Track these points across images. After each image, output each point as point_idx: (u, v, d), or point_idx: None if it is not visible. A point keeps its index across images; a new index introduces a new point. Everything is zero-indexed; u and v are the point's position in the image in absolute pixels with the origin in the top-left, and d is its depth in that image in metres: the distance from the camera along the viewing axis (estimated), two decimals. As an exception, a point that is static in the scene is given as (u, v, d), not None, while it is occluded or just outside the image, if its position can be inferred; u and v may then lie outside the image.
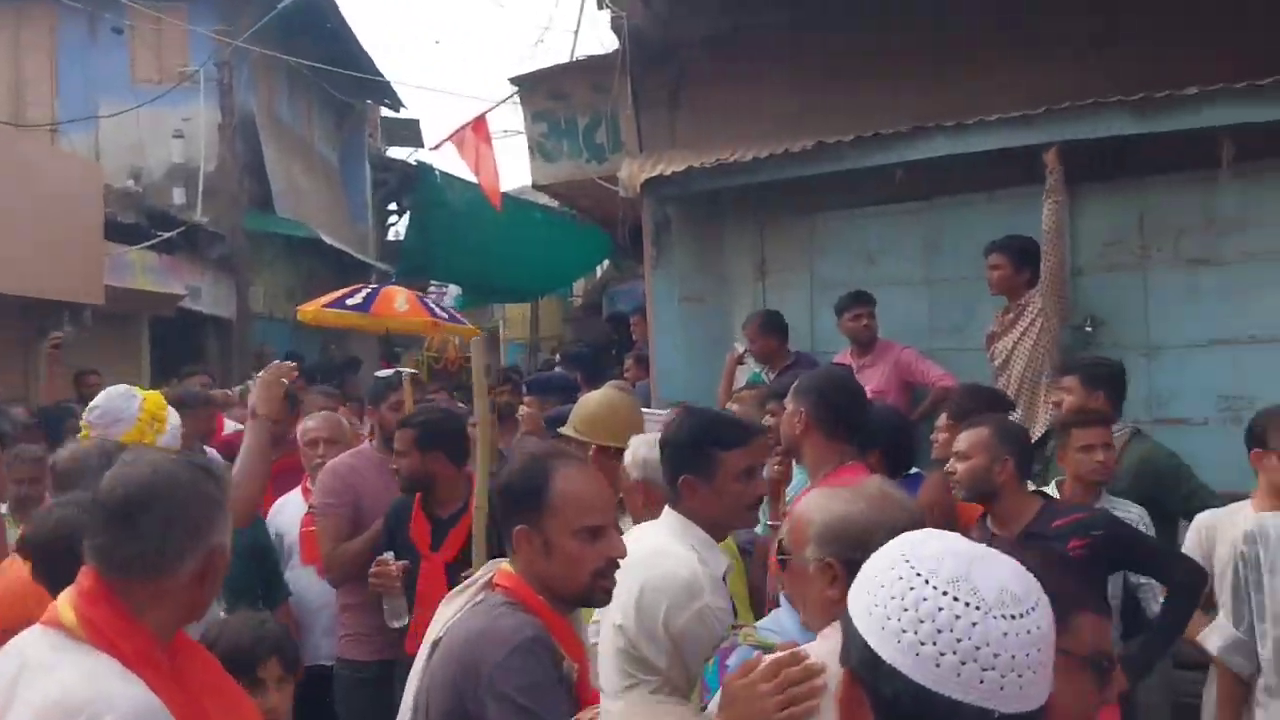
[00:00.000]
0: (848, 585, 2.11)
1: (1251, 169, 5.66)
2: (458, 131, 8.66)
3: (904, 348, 6.45)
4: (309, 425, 5.40)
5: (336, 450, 5.07)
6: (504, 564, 2.45)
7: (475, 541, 3.63)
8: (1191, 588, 3.47)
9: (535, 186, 9.39)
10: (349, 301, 8.86)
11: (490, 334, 30.73)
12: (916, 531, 1.49)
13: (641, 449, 3.61)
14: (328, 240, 15.63)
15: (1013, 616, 1.29)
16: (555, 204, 11.43)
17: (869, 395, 6.10)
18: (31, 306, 9.65)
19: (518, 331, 25.58)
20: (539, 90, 8.89)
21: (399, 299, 8.80)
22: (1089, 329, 6.17)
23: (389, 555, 4.20)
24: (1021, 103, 6.11)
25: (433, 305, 8.71)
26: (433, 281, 25.42)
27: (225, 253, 14.23)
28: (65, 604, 1.90)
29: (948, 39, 7.08)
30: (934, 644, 1.27)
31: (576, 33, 16.76)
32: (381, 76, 19.37)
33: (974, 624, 1.28)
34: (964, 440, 3.67)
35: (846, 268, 7.14)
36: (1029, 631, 1.29)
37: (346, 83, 17.74)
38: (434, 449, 4.22)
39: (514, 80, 8.81)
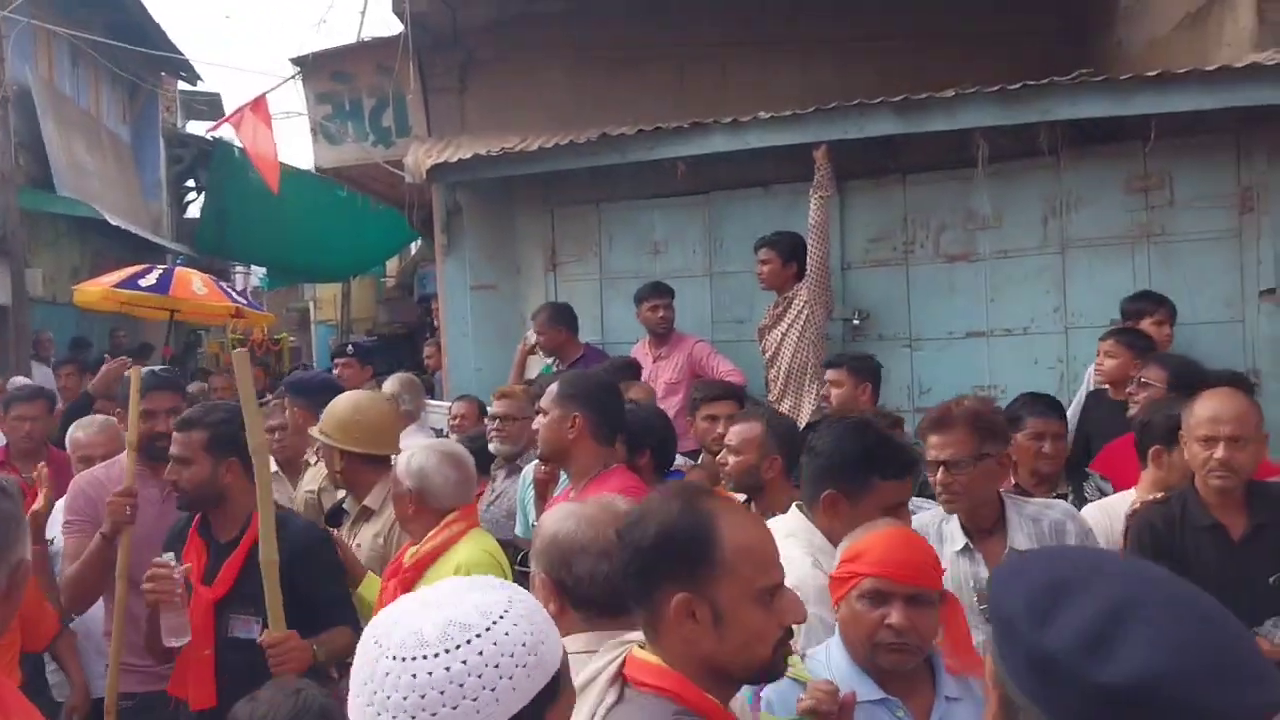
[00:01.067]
0: (560, 604, 2.24)
1: (1004, 169, 5.97)
2: (237, 112, 8.35)
3: (698, 341, 6.56)
4: (79, 437, 4.72)
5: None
6: (632, 646, 1.92)
7: (269, 598, 3.15)
8: None
9: (318, 170, 9.10)
10: (142, 282, 8.37)
11: (300, 314, 30.03)
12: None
13: (418, 457, 3.51)
14: (112, 220, 14.82)
15: (408, 659, 1.34)
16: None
17: (664, 387, 6.28)
18: None
19: (329, 313, 24.98)
20: (322, 71, 8.64)
21: (195, 281, 8.37)
22: (856, 322, 6.42)
23: (169, 556, 3.40)
24: (797, 101, 6.28)
25: (228, 290, 8.26)
26: (234, 262, 24.65)
27: (-1, 234, 13.34)
28: None
29: (733, 34, 7.22)
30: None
31: (363, 13, 16.32)
32: (175, 51, 18.46)
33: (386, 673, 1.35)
34: (736, 435, 3.75)
35: (634, 258, 7.21)
36: (430, 673, 1.33)
37: (136, 56, 16.86)
38: (229, 455, 3.46)
39: (295, 60, 8.54)
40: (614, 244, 7.31)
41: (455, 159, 7.09)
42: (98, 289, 8.95)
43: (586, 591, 2.20)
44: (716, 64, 7.39)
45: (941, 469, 3.15)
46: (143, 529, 3.74)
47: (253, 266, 27.08)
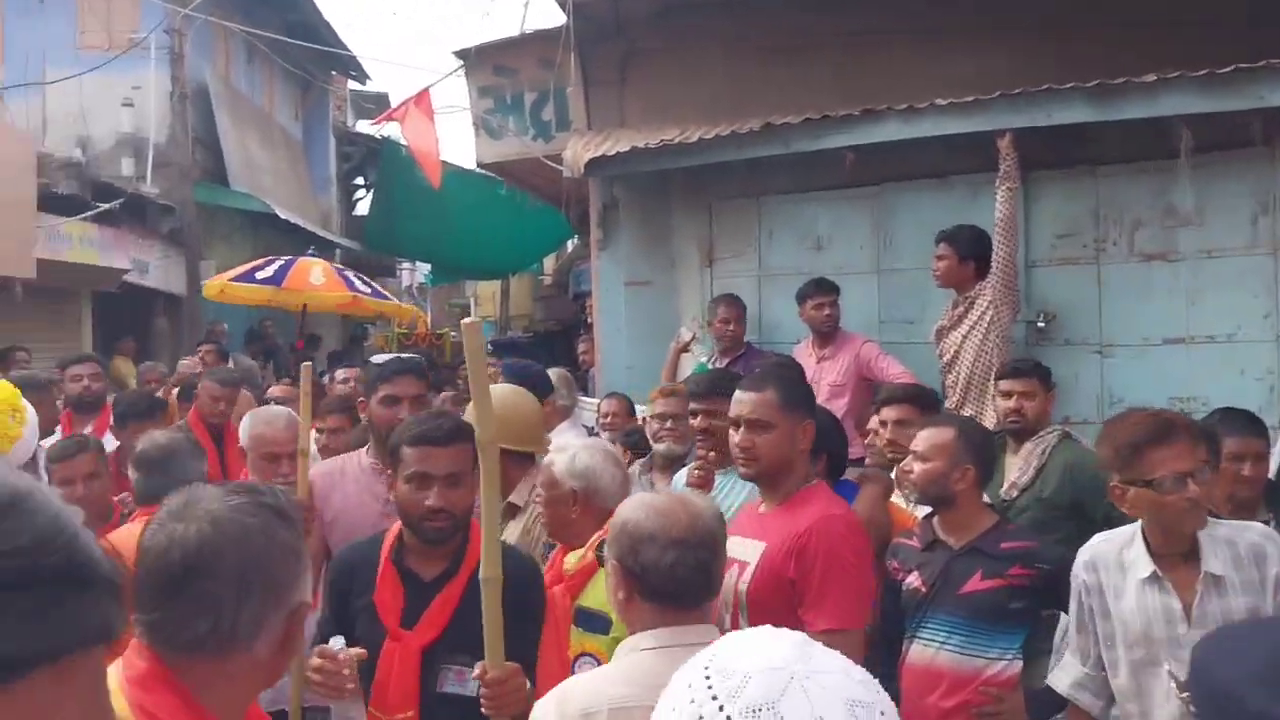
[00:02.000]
0: (629, 591, 2.26)
1: (1209, 161, 5.42)
2: (401, 105, 8.35)
3: (866, 340, 6.18)
4: (264, 432, 4.20)
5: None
6: None
7: (488, 626, 2.48)
8: None
9: (480, 165, 9.04)
10: (259, 275, 8.30)
11: (461, 310, 30.64)
12: (742, 633, 1.26)
13: (582, 457, 3.32)
14: (282, 214, 15.23)
15: None
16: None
17: (828, 389, 5.94)
18: (-43, 281, 9.32)
19: (489, 309, 25.37)
20: (484, 65, 8.56)
21: (315, 271, 8.25)
22: (1041, 324, 5.93)
23: (337, 641, 2.76)
24: (976, 87, 5.86)
25: (353, 279, 8.11)
26: (400, 258, 25.23)
27: (176, 226, 13.84)
28: (115, 689, 1.43)
29: (901, 20, 6.82)
30: None
31: (527, 4, 16.27)
32: (343, 48, 18.94)
33: None
34: (925, 440, 3.45)
35: (795, 254, 6.90)
36: None
37: (309, 54, 17.33)
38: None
39: (458, 54, 8.48)
40: (774, 239, 7.00)
41: (613, 152, 6.89)
42: (219, 282, 8.97)
43: (653, 580, 2.23)
44: (883, 51, 6.98)
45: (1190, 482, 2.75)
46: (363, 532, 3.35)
47: (418, 263, 27.73)
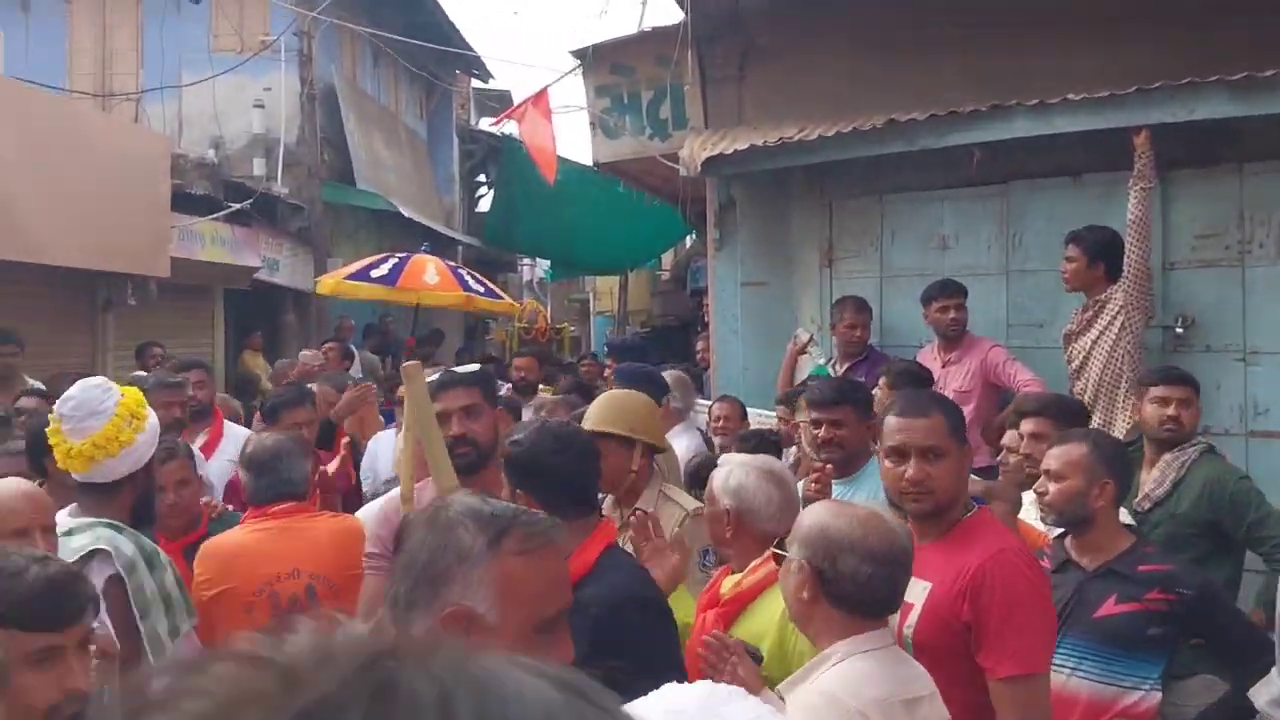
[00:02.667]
0: (817, 592, 2.32)
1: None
2: (520, 105, 8.39)
3: (994, 345, 5.98)
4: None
5: None
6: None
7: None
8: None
9: (596, 164, 9.03)
10: (373, 273, 8.29)
11: (580, 305, 30.86)
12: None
13: (736, 474, 3.22)
14: (406, 213, 15.50)
15: None
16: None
17: (952, 395, 5.74)
18: (97, 278, 9.65)
19: (607, 304, 25.50)
20: (601, 64, 8.54)
21: (429, 270, 8.20)
22: (1180, 329, 5.65)
23: None
24: (1110, 81, 5.60)
25: (466, 277, 8.08)
26: (520, 255, 25.52)
27: (304, 225, 14.20)
28: None
29: (1029, 12, 6.57)
30: None
31: (644, 2, 16.25)
32: (467, 48, 19.20)
33: None
34: (1057, 457, 3.29)
35: (918, 254, 6.72)
36: None
37: (432, 54, 17.62)
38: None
39: (575, 53, 8.48)
40: (896, 238, 6.82)
41: (731, 150, 6.79)
42: (333, 279, 8.99)
43: (845, 588, 2.31)
44: (1012, 44, 6.73)
45: None
46: None
47: (537, 259, 28.02)
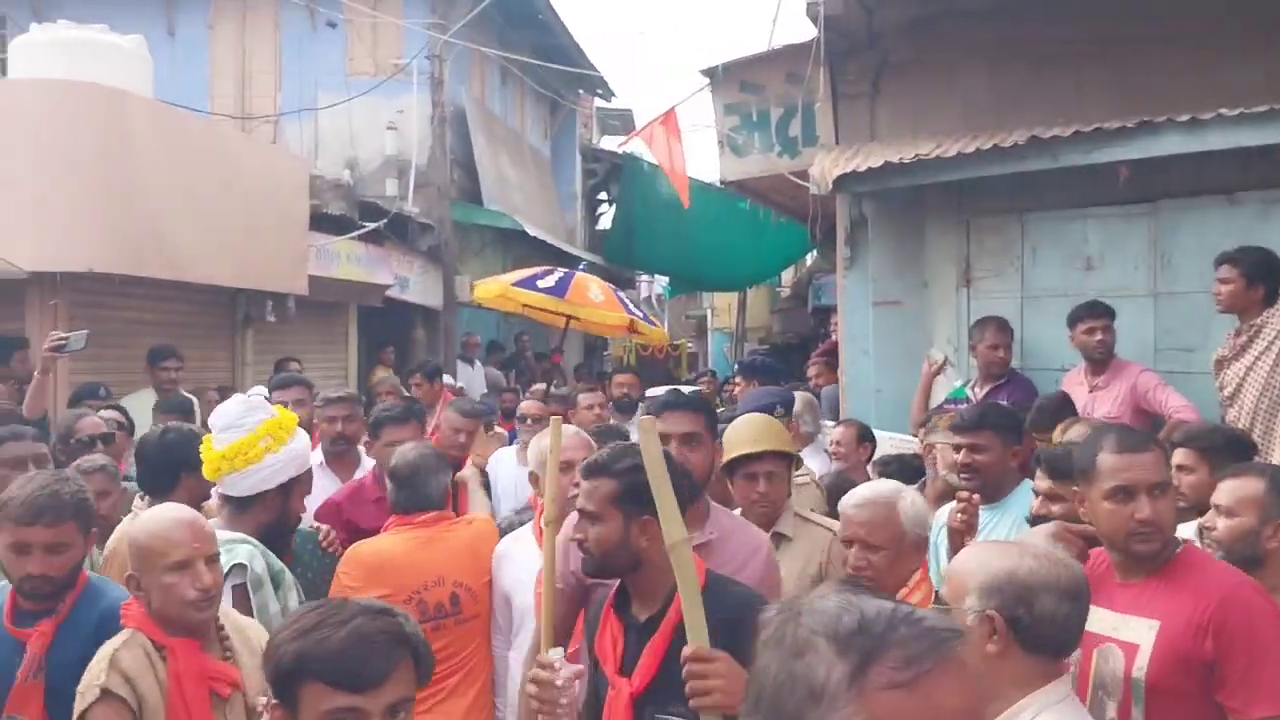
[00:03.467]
0: (1008, 644, 2.18)
1: None
2: (647, 126, 8.41)
3: (1144, 370, 5.75)
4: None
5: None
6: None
7: (683, 595, 2.37)
8: None
9: (723, 182, 9.00)
10: (540, 283, 8.20)
11: (698, 322, 30.85)
12: None
13: (920, 500, 3.22)
14: (531, 231, 15.70)
15: None
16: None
17: (1104, 419, 5.54)
18: (238, 295, 9.98)
19: (725, 321, 25.45)
20: (730, 82, 8.50)
21: (593, 289, 8.15)
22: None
23: (556, 653, 2.70)
24: (1268, 95, 5.36)
25: (627, 301, 8.03)
26: (639, 272, 25.65)
27: (434, 243, 14.48)
28: None
29: (1182, 25, 6.33)
30: None
31: (774, 20, 16.13)
32: (592, 69, 19.39)
33: None
34: (1229, 493, 3.13)
35: (1061, 274, 6.52)
36: None
37: (558, 75, 17.84)
38: (644, 513, 2.60)
39: (704, 72, 8.46)
40: (1038, 258, 6.63)
41: (864, 168, 6.68)
42: (497, 286, 8.91)
43: (1045, 631, 2.21)
44: (1162, 58, 6.49)
45: None
46: None
47: (656, 276, 28.13)
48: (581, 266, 16.84)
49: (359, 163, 14.47)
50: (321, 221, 11.23)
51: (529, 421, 6.37)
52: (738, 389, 7.35)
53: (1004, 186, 6.50)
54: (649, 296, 33.41)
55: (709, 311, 29.02)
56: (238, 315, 10.19)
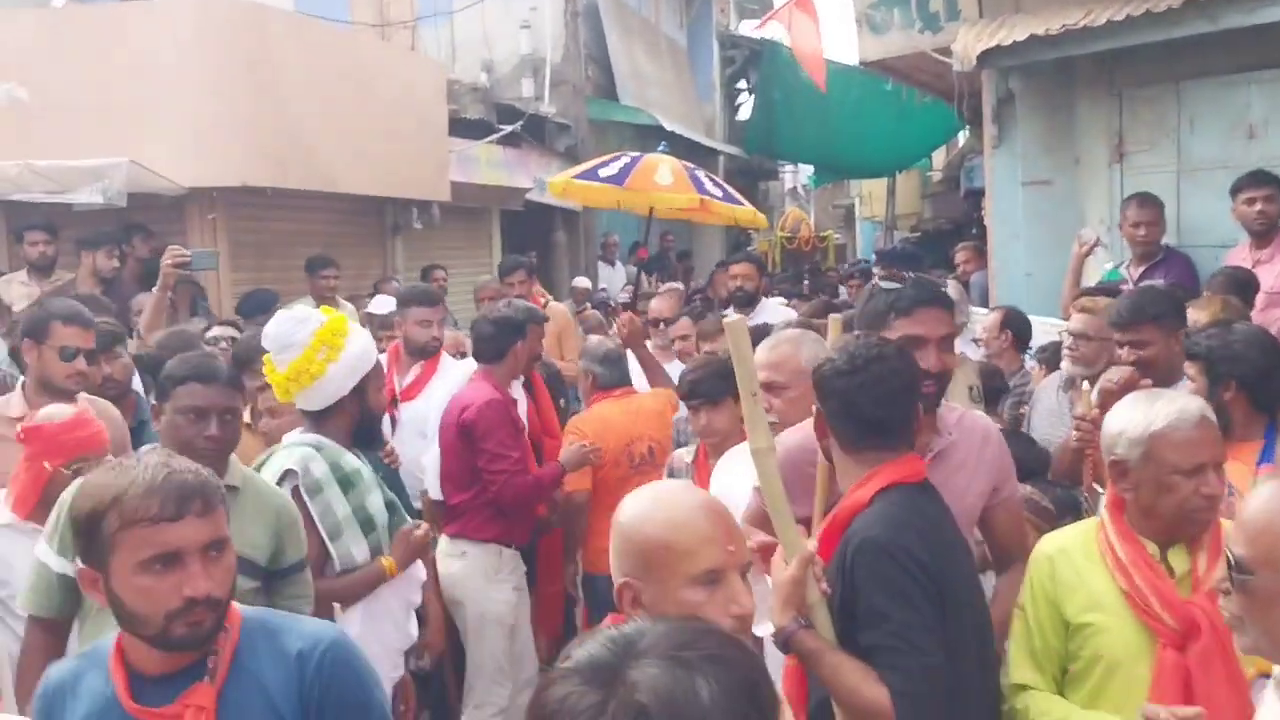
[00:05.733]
0: None
1: None
2: (782, 7, 8.17)
3: None
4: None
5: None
6: None
7: (769, 503, 2.43)
8: None
9: (863, 63, 8.68)
10: (602, 172, 7.73)
11: (845, 211, 30.24)
12: None
13: None
14: (668, 126, 15.52)
15: None
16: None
17: (1264, 298, 5.28)
18: (385, 204, 10.22)
19: (874, 209, 24.88)
20: (867, -45, 8.18)
21: (661, 170, 7.63)
22: None
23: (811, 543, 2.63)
24: None
25: (703, 180, 7.61)
26: (782, 161, 25.18)
27: (571, 143, 14.47)
28: None
29: None
30: None
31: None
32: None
33: None
34: None
35: (1222, 144, 6.19)
36: None
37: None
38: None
39: (840, -54, 8.14)
40: (1196, 128, 6.28)
41: (1009, 41, 6.40)
42: (563, 180, 8.31)
43: None
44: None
45: None
46: None
47: (800, 165, 27.58)
48: (719, 160, 16.52)
49: (494, 64, 14.47)
50: (460, 127, 11.34)
51: (661, 325, 6.45)
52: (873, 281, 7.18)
53: (1158, 54, 6.17)
54: (795, 188, 32.84)
55: (857, 200, 28.35)
56: (386, 224, 10.43)
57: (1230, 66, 6.04)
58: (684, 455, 4.27)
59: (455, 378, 5.22)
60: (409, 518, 3.62)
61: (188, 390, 3.01)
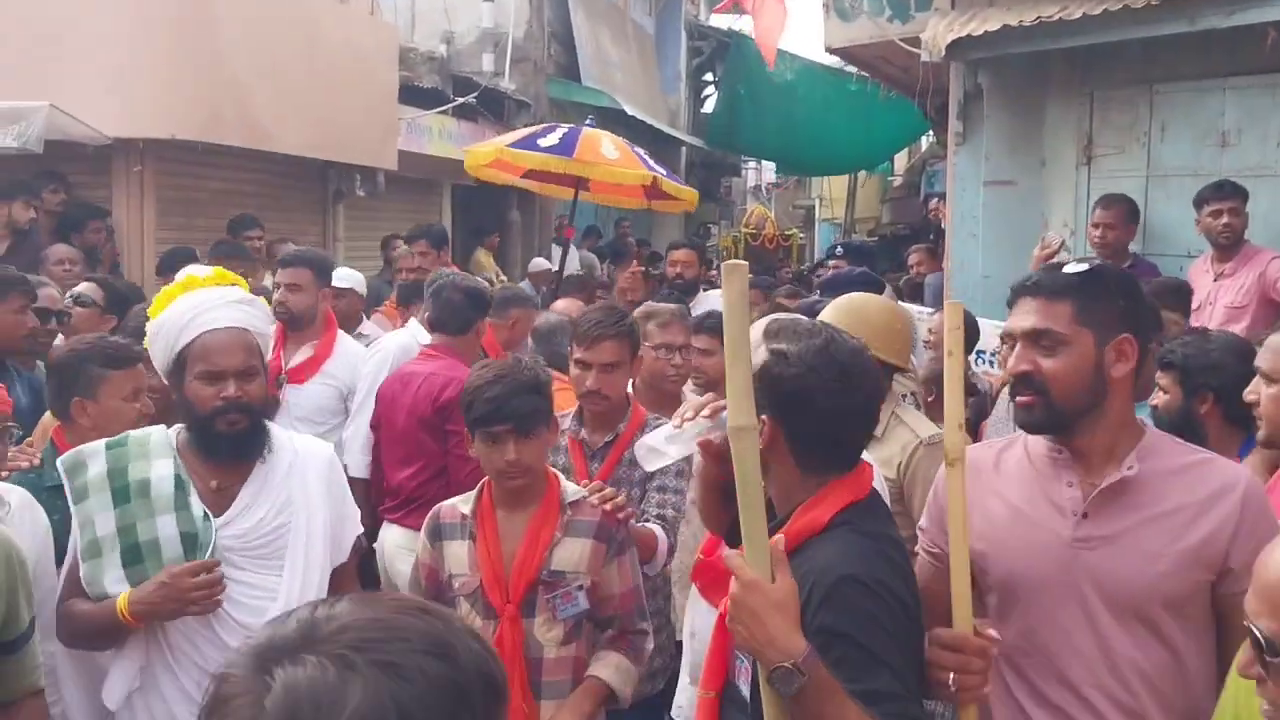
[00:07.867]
0: None
1: None
2: (749, -13, 7.88)
3: (1276, 256, 5.24)
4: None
5: None
6: None
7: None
8: None
9: (828, 49, 8.43)
10: (541, 141, 7.25)
11: (806, 212, 30.13)
12: None
13: None
14: (630, 110, 15.20)
15: None
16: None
17: (1223, 312, 5.09)
18: (328, 169, 9.79)
19: (834, 211, 24.79)
20: (837, -62, 7.93)
21: (605, 143, 7.17)
22: None
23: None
24: None
25: (648, 158, 7.23)
26: (744, 156, 24.97)
27: (529, 121, 14.11)
28: None
29: None
30: None
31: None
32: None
33: None
34: None
35: (1192, 151, 5.99)
36: None
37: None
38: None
39: (810, -73, 7.88)
40: (1167, 133, 6.09)
41: (980, 32, 6.16)
42: (491, 149, 7.72)
43: None
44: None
45: None
46: None
47: (764, 162, 27.35)
48: (682, 151, 16.25)
49: (455, 36, 14.07)
50: (413, 94, 10.95)
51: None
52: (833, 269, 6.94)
53: (1133, 54, 5.98)
54: (758, 185, 32.64)
55: (817, 201, 28.34)
56: (329, 190, 10.01)
57: (1205, 71, 5.86)
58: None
59: (379, 356, 4.80)
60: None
61: None
